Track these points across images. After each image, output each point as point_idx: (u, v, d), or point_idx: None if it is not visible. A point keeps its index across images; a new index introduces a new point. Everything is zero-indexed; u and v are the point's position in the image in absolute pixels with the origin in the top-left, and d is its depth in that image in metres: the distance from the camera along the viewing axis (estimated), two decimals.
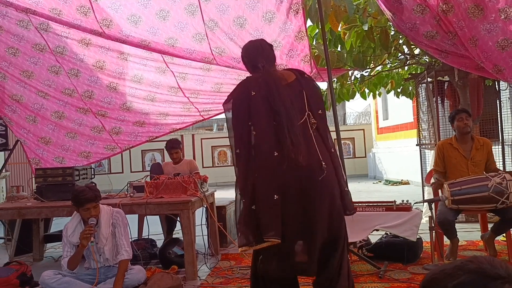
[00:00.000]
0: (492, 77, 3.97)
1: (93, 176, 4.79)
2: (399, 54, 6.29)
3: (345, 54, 5.44)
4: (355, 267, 3.88)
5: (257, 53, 2.70)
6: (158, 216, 5.36)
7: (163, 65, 4.74)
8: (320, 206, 2.38)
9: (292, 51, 4.12)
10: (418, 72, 6.88)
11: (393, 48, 5.71)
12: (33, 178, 4.79)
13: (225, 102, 2.61)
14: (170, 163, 5.48)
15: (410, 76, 6.94)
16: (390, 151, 13.56)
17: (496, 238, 4.04)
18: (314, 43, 5.52)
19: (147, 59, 4.66)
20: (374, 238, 4.31)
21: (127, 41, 4.15)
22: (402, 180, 12.26)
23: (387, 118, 14.23)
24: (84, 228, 3.25)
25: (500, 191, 3.56)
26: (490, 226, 4.05)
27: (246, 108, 2.46)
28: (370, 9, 4.70)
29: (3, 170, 6.35)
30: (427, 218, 3.86)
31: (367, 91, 7.50)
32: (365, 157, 16.03)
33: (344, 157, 4.64)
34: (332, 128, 3.11)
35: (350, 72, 6.27)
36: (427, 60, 6.25)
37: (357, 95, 7.46)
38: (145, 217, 4.86)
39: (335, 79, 6.04)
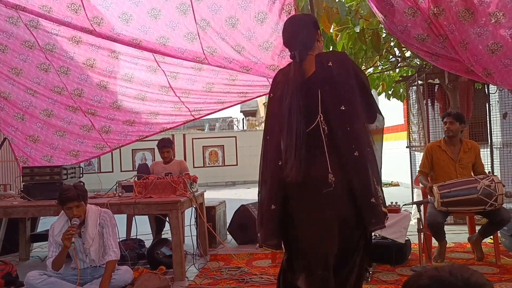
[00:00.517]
0: (481, 80, 4.00)
1: (81, 175, 4.75)
2: (390, 57, 6.32)
3: None
4: None
5: (291, 36, 2.35)
6: (147, 216, 5.33)
7: (154, 64, 4.71)
8: (324, 222, 2.15)
9: (284, 52, 4.11)
10: (409, 74, 6.92)
11: (384, 50, 5.74)
12: (21, 177, 4.73)
13: None
14: (160, 163, 5.45)
15: (401, 78, 6.98)
16: None
17: (483, 241, 4.07)
18: None
19: (138, 57, 4.63)
20: None
21: (118, 40, 4.12)
22: (392, 181, 12.32)
23: None
24: (67, 229, 3.21)
25: (488, 194, 3.59)
26: (478, 228, 4.08)
27: (267, 109, 2.41)
28: (362, 11, 4.71)
29: None
30: (416, 220, 3.88)
31: None
32: None
33: None
34: None
35: None
36: (418, 62, 6.29)
37: None
38: (133, 217, 4.82)
39: None
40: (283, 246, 2.30)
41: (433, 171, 4.21)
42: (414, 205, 4.04)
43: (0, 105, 5.01)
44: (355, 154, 2.14)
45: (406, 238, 4.04)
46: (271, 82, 2.48)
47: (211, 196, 5.62)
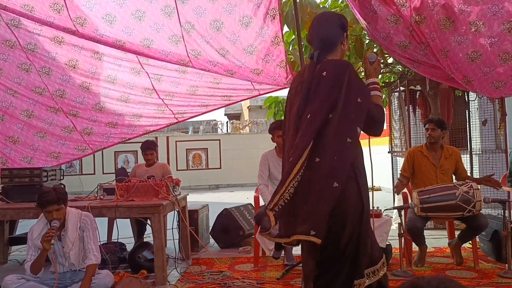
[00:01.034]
0: (461, 87, 4.08)
1: (62, 177, 4.67)
2: None
3: None
4: None
5: (315, 35, 2.28)
6: (128, 219, 5.27)
7: (138, 66, 4.68)
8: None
9: (268, 56, 4.14)
10: (392, 80, 7.02)
11: None
12: None
13: None
14: (142, 165, 5.40)
15: (383, 84, 7.06)
16: None
17: (462, 245, 4.14)
18: (290, 49, 5.55)
19: (121, 59, 4.60)
20: None
21: (101, 41, 4.08)
22: (373, 186, 12.43)
23: None
24: (47, 230, 3.16)
25: (467, 200, 3.65)
26: (457, 233, 4.15)
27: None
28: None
29: None
30: (397, 225, 3.92)
31: None
32: None
33: None
34: None
35: None
36: (400, 69, 6.38)
37: None
38: (115, 220, 4.77)
39: None
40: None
41: (414, 176, 4.28)
42: (395, 210, 4.08)
43: None
44: (316, 159, 2.06)
45: (387, 243, 4.07)
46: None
47: (194, 199, 5.58)
